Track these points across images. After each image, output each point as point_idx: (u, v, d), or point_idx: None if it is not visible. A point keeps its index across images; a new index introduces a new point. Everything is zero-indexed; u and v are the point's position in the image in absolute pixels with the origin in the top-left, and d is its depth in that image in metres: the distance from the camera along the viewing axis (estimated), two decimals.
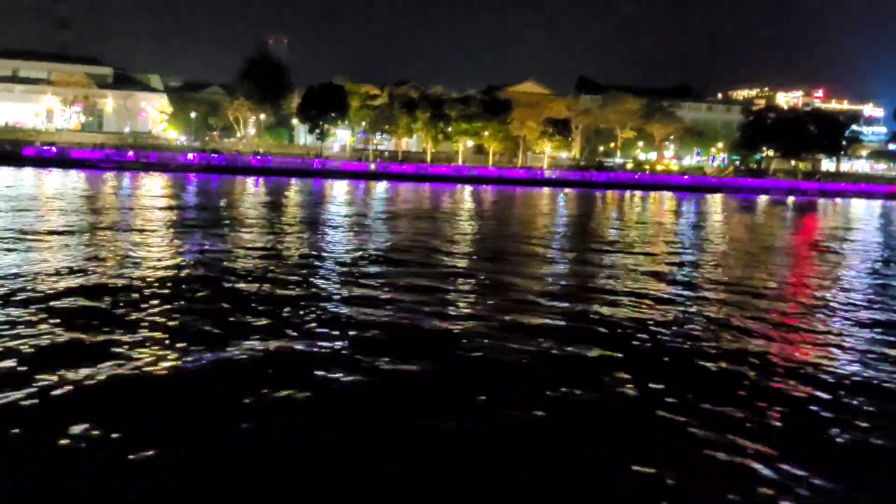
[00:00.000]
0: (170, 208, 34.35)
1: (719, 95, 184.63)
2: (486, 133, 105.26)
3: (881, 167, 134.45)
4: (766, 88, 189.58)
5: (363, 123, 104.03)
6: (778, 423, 8.13)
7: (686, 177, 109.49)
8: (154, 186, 52.26)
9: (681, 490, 6.45)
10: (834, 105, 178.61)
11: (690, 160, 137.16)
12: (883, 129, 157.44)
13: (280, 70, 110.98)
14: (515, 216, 39.02)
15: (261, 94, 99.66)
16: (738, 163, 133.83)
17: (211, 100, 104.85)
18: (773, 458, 7.15)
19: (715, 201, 73.71)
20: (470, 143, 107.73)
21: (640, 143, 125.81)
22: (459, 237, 26.88)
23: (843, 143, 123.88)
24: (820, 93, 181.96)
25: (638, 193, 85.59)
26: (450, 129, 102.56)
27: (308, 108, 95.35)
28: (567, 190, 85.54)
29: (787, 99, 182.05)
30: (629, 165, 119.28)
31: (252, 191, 53.58)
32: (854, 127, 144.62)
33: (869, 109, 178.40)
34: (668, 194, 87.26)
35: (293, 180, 75.80)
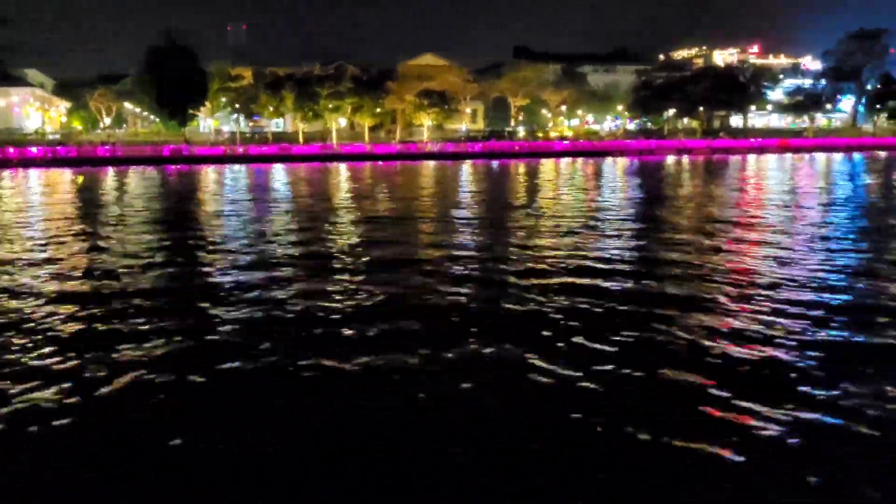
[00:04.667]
0: None
1: (661, 57, 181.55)
2: (360, 109, 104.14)
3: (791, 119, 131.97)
4: (705, 47, 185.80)
5: (237, 105, 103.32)
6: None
7: (566, 142, 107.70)
8: None
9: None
10: (770, 60, 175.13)
11: (610, 124, 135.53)
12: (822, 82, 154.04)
13: (188, 58, 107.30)
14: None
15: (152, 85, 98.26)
16: (648, 123, 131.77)
17: (81, 93, 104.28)
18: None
19: (573, 166, 71.04)
20: (343, 120, 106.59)
21: (544, 111, 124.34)
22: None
23: (746, 98, 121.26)
24: (755, 48, 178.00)
25: (516, 162, 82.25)
26: (318, 107, 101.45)
27: (163, 93, 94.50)
28: (469, 162, 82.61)
29: (723, 56, 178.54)
30: (521, 133, 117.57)
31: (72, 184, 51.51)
32: (790, 80, 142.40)
33: (808, 62, 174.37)
34: (548, 161, 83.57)
35: (136, 168, 74.63)
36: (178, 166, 78.90)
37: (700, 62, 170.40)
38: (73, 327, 10.14)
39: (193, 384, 7.81)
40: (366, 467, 5.95)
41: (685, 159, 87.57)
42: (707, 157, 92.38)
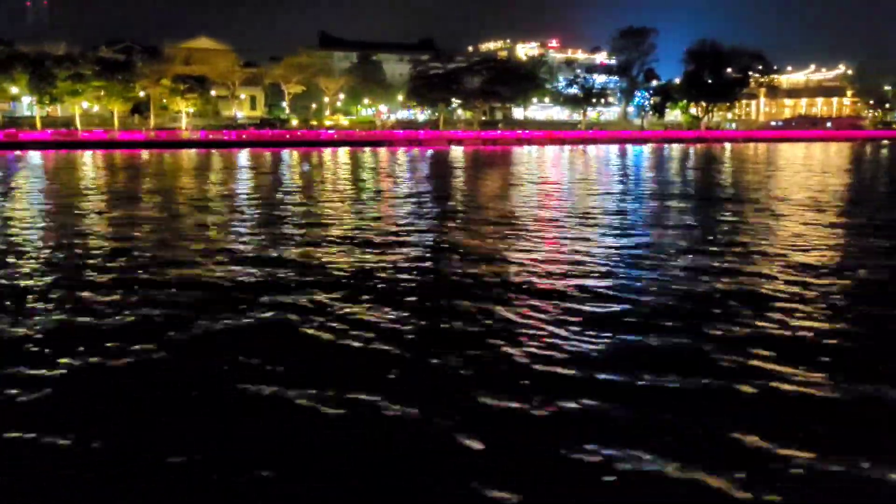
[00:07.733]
0: None
1: (470, 49, 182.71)
2: (109, 94, 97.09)
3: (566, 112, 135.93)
4: (508, 41, 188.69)
5: None
6: None
7: (333, 132, 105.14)
8: None
9: None
10: (569, 54, 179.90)
11: (405, 114, 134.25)
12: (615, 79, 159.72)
13: None
14: None
15: None
16: (436, 114, 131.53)
17: None
18: None
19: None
20: (92, 105, 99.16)
21: (326, 99, 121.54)
22: None
23: (521, 90, 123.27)
24: (554, 42, 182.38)
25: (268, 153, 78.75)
26: (56, 90, 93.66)
27: None
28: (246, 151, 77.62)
29: (525, 50, 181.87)
30: (294, 121, 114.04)
31: None
32: (587, 74, 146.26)
33: (602, 57, 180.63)
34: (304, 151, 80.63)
35: None
36: None
37: (504, 55, 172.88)
38: None
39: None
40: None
41: (459, 149, 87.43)
42: (476, 148, 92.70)
